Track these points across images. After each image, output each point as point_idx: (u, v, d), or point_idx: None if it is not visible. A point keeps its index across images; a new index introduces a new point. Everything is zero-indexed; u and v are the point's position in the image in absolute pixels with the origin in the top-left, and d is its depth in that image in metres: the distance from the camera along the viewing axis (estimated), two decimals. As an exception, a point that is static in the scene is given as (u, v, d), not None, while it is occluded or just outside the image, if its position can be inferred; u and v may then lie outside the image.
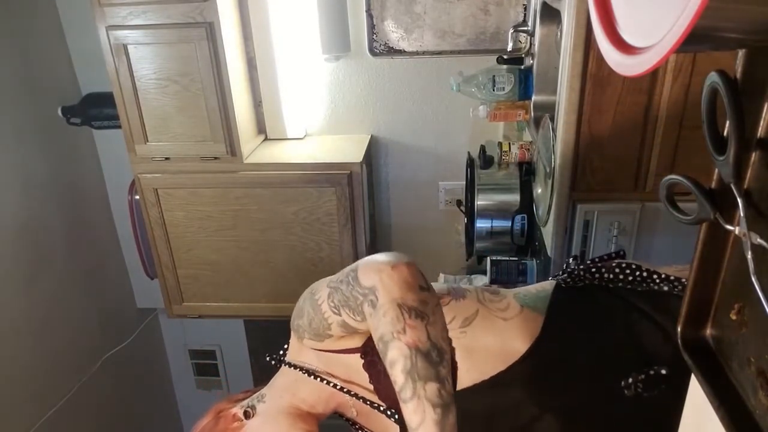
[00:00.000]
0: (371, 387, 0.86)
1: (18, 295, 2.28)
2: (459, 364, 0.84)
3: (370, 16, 2.14)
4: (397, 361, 0.71)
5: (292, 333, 0.90)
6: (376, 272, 0.74)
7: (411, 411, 0.70)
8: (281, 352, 0.94)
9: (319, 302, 0.81)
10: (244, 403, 0.92)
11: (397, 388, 0.71)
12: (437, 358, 0.72)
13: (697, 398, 0.54)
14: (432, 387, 0.70)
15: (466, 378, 0.84)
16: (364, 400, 0.87)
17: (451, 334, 0.83)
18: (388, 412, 0.85)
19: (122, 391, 2.93)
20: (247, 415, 0.89)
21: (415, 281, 0.74)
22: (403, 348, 0.70)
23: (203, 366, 3.29)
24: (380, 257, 0.77)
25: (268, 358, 0.94)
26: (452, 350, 0.83)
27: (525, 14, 2.03)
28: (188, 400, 3.41)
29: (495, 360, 0.84)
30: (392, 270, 0.74)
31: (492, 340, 0.85)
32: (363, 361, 0.85)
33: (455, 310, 0.86)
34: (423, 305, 0.73)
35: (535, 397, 0.85)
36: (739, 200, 0.45)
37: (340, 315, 0.79)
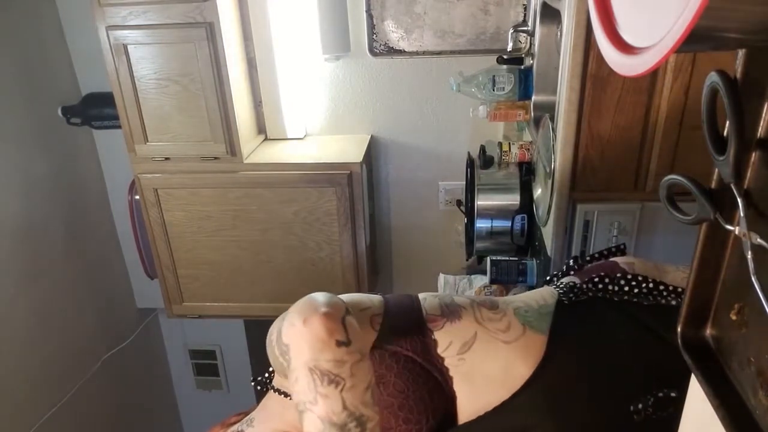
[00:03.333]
0: None
1: (18, 294, 2.28)
2: (459, 393, 0.79)
3: (370, 16, 2.14)
4: None
5: None
6: (290, 327, 0.66)
7: None
8: (266, 375, 0.90)
9: (276, 353, 0.75)
10: (234, 428, 0.89)
11: None
12: (356, 428, 0.64)
13: (697, 399, 0.54)
14: None
15: (467, 407, 0.80)
16: None
17: (448, 362, 0.79)
18: None
19: (122, 391, 2.93)
20: None
21: (330, 337, 0.65)
22: (315, 421, 0.64)
23: (203, 366, 3.29)
24: (303, 305, 0.68)
25: (253, 383, 0.90)
26: (450, 379, 0.79)
27: (525, 14, 2.03)
28: (188, 400, 3.41)
29: (498, 387, 0.80)
30: (303, 326, 0.65)
31: (493, 366, 0.80)
32: None
33: (452, 334, 0.80)
34: (338, 366, 0.64)
35: (541, 425, 0.81)
36: (739, 200, 0.45)
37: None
